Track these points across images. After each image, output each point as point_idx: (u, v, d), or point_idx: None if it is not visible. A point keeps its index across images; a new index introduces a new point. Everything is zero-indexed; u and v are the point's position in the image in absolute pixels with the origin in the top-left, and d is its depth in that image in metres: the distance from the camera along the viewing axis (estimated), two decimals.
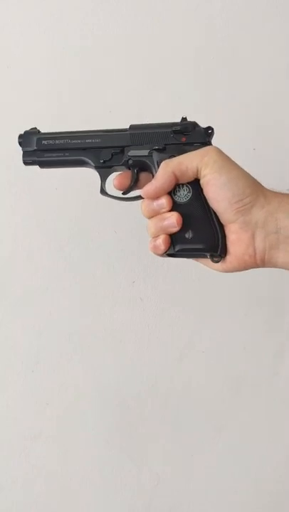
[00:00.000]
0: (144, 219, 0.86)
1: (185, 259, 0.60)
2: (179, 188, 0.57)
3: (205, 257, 0.57)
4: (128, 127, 0.61)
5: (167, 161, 0.56)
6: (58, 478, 0.86)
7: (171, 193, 0.57)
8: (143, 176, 0.62)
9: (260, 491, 0.90)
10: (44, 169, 0.64)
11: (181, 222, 0.56)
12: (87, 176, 0.85)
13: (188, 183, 0.57)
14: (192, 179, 0.56)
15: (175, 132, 0.60)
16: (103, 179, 0.62)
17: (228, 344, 0.89)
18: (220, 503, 0.89)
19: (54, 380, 0.85)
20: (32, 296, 0.85)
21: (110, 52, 0.85)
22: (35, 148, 0.63)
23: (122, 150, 0.61)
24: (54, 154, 0.63)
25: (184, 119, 0.61)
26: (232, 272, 0.57)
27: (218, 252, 0.56)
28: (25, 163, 0.64)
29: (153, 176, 0.60)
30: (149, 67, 0.85)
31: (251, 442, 0.90)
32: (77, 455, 0.86)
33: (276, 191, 0.55)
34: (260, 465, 0.90)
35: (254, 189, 0.54)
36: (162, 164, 0.56)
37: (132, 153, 0.61)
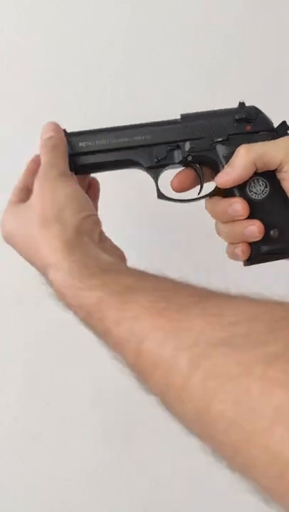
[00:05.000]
0: (144, 219, 0.86)
1: None
2: (254, 183, 0.51)
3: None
4: (179, 118, 0.55)
5: (248, 146, 0.50)
6: (58, 478, 0.86)
7: (247, 190, 0.51)
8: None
9: None
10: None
11: (263, 230, 0.50)
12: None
13: (262, 176, 0.51)
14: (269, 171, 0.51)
15: (238, 121, 0.53)
16: (156, 180, 0.55)
17: None
18: (220, 504, 0.88)
19: (54, 380, 0.85)
20: (31, 296, 0.85)
21: (111, 51, 0.85)
22: (70, 152, 0.54)
23: (177, 145, 0.54)
24: (93, 157, 0.54)
25: (241, 104, 0.54)
26: None
27: None
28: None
29: (216, 171, 0.53)
30: (151, 66, 0.85)
31: None
32: (77, 455, 0.86)
33: None
34: None
35: None
36: (242, 150, 0.50)
37: (191, 148, 0.53)
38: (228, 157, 0.52)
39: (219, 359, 0.30)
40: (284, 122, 0.54)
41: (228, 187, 0.51)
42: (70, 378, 0.85)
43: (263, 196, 0.51)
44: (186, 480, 0.89)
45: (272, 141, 0.50)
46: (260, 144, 0.51)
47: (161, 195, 0.55)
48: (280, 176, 0.50)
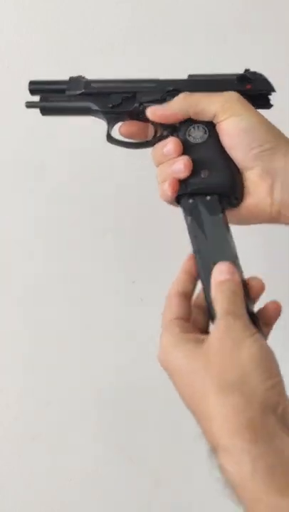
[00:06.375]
0: (144, 218, 0.86)
1: None
2: (194, 128, 0.53)
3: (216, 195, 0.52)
4: (187, 77, 0.57)
5: (186, 94, 0.53)
6: (58, 478, 0.86)
7: (186, 134, 0.53)
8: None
9: None
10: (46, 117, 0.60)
11: (190, 166, 0.51)
12: (87, 174, 0.85)
13: (204, 123, 0.53)
14: (207, 121, 0.52)
15: (240, 79, 0.55)
16: (109, 125, 0.58)
17: None
18: (220, 504, 0.88)
19: (54, 379, 0.85)
20: (32, 296, 0.85)
21: (111, 51, 0.85)
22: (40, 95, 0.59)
23: (133, 95, 0.57)
24: (59, 99, 0.59)
25: (247, 69, 0.57)
26: (243, 224, 0.53)
27: (236, 194, 0.51)
28: (28, 105, 0.60)
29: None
30: (151, 66, 0.85)
31: None
32: (77, 455, 0.86)
33: None
34: None
35: (276, 136, 0.50)
36: (180, 96, 0.53)
37: (144, 98, 0.56)
38: None
39: None
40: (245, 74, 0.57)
41: (156, 120, 0.54)
42: (70, 378, 0.85)
43: (201, 141, 0.53)
44: (186, 480, 0.89)
45: (211, 94, 0.52)
46: (199, 94, 0.53)
47: (110, 139, 0.58)
48: (219, 126, 0.52)
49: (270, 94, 0.56)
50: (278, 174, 0.50)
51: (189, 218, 0.51)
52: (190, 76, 0.58)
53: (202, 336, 0.45)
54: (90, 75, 0.86)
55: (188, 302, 0.49)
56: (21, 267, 0.85)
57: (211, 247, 0.50)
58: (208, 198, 0.51)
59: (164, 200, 0.54)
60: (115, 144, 0.58)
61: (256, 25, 0.87)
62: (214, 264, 0.48)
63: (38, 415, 0.85)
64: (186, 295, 0.50)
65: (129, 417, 0.87)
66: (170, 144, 0.52)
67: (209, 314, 0.48)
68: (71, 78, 0.60)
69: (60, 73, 0.83)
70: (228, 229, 0.51)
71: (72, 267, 0.85)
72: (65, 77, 0.61)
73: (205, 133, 0.53)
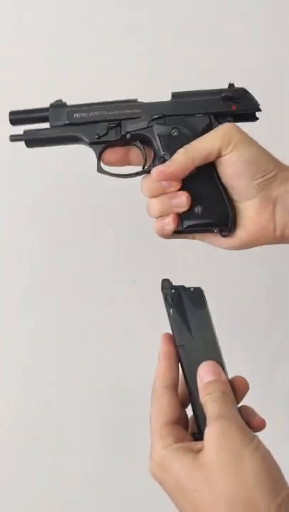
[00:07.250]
0: (144, 219, 0.86)
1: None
2: None
3: (212, 231, 0.54)
4: (171, 96, 0.57)
5: (185, 149, 0.52)
6: (58, 478, 0.86)
7: None
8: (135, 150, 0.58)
9: None
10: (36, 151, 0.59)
11: (190, 201, 0.52)
12: (86, 175, 0.85)
13: None
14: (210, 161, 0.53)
15: (225, 99, 0.55)
16: (97, 155, 0.58)
17: (227, 345, 0.89)
18: None
19: (54, 379, 0.85)
20: (31, 296, 0.85)
21: (111, 51, 0.85)
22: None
23: (118, 124, 0.56)
24: (42, 132, 0.57)
25: (231, 85, 0.56)
26: (243, 248, 0.55)
27: (229, 226, 0.53)
28: (12, 139, 0.58)
29: (154, 152, 0.56)
30: (151, 66, 0.85)
31: None
32: (77, 455, 0.86)
33: None
34: None
35: (275, 165, 0.52)
36: (180, 152, 0.52)
37: (129, 126, 0.56)
38: (164, 136, 0.54)
39: None
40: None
41: (164, 179, 0.53)
42: (70, 378, 0.85)
43: (193, 173, 0.53)
44: None
45: (207, 135, 0.53)
46: (197, 141, 0.53)
47: (100, 170, 0.58)
48: (222, 159, 0.52)
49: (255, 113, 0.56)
50: (278, 200, 0.51)
51: (172, 310, 0.49)
52: (173, 96, 0.57)
53: (197, 445, 0.43)
54: (91, 75, 0.86)
55: (176, 397, 0.48)
56: (21, 267, 0.85)
57: (196, 343, 0.48)
58: (192, 289, 0.50)
59: (160, 234, 0.55)
60: (108, 175, 0.58)
61: (256, 25, 0.87)
62: (199, 362, 0.46)
63: (38, 415, 0.85)
64: (174, 386, 0.48)
65: (129, 417, 0.87)
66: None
67: (194, 413, 0.47)
68: (51, 105, 0.59)
69: (60, 73, 0.84)
70: (212, 322, 0.50)
71: (72, 267, 0.85)
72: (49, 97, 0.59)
73: (195, 168, 0.53)
